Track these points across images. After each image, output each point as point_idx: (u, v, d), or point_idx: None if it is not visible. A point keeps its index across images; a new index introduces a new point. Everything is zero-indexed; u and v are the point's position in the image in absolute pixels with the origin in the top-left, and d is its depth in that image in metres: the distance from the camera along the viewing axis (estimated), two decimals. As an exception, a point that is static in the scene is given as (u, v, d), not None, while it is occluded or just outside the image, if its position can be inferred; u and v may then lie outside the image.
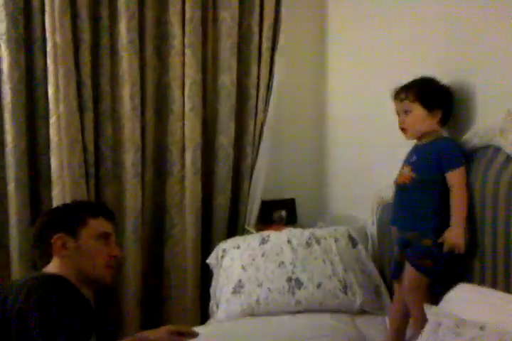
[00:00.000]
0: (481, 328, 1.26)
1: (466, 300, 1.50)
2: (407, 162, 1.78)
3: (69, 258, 1.34)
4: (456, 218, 1.63)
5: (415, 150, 1.79)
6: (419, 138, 1.78)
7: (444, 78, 1.87)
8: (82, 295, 1.28)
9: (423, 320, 1.44)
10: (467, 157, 1.71)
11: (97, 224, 1.40)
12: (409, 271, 1.70)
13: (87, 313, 1.24)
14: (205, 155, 2.61)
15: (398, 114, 1.78)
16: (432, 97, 1.72)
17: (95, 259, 1.37)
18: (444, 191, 1.68)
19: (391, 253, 2.04)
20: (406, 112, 1.73)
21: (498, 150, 1.64)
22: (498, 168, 1.62)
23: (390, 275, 1.90)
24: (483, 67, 1.76)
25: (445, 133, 1.82)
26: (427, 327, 1.38)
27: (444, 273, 1.68)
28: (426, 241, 1.67)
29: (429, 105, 1.71)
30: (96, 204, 1.59)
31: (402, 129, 1.78)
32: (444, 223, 1.65)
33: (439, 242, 1.64)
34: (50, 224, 1.40)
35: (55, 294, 1.18)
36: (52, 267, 1.35)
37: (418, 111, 1.71)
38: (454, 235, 1.61)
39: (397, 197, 1.83)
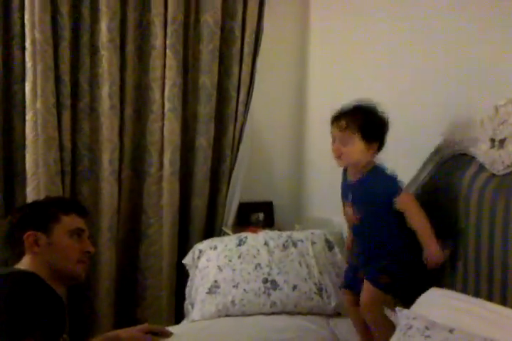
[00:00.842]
0: (450, 331, 1.29)
1: (437, 304, 1.54)
2: (347, 199, 1.75)
3: (41, 255, 1.33)
4: (424, 238, 1.60)
5: (350, 187, 1.75)
6: (353, 166, 1.74)
7: (421, 79, 1.89)
8: (54, 291, 1.27)
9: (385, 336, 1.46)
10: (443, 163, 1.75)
11: (70, 221, 1.39)
12: (365, 287, 1.67)
13: (57, 310, 1.23)
14: (183, 156, 2.61)
15: (333, 139, 1.72)
16: (373, 131, 1.67)
17: (68, 255, 1.36)
18: (397, 215, 1.66)
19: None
20: (344, 141, 1.67)
21: (471, 158, 1.69)
22: (470, 176, 1.66)
23: (343, 284, 1.87)
24: (460, 71, 1.81)
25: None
26: (398, 330, 1.41)
27: (402, 289, 1.68)
28: (382, 261, 1.67)
29: (368, 138, 1.66)
30: (68, 201, 1.57)
31: (336, 156, 1.72)
32: (401, 245, 1.67)
33: (401, 260, 1.66)
34: (22, 221, 1.38)
35: (25, 290, 1.17)
36: (24, 264, 1.33)
37: (357, 143, 1.66)
38: (432, 253, 1.59)
39: (353, 234, 1.82)
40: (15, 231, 1.37)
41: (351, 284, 1.79)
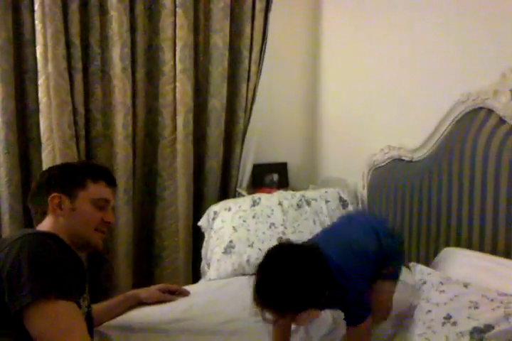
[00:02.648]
0: (465, 286, 1.28)
1: (451, 262, 1.53)
2: None
3: (63, 219, 1.34)
4: None
5: None
6: None
7: (439, 35, 1.82)
8: (74, 252, 1.28)
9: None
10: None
11: (96, 189, 1.38)
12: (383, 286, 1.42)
13: (78, 269, 1.25)
14: (196, 118, 2.59)
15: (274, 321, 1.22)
16: (316, 303, 1.18)
17: (87, 223, 1.36)
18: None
19: (380, 215, 2.07)
20: (289, 321, 1.27)
21: (490, 112, 1.64)
22: (489, 130, 1.61)
23: None
24: (480, 23, 1.74)
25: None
26: (412, 285, 1.41)
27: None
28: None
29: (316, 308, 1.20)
30: (99, 168, 1.50)
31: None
32: None
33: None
34: (50, 181, 1.37)
35: (48, 249, 1.17)
36: (46, 225, 1.34)
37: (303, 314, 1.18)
38: None
39: None
40: (41, 191, 1.37)
41: None
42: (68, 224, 1.34)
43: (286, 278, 1.13)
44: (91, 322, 1.37)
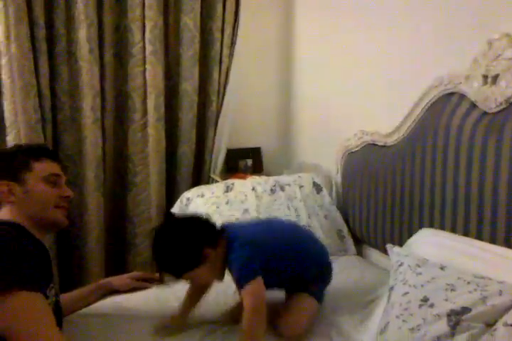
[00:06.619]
0: (442, 268, 1.30)
1: (427, 243, 1.54)
2: None
3: (18, 205, 1.30)
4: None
5: None
6: None
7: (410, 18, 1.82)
8: (38, 240, 1.24)
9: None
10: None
11: (43, 167, 1.35)
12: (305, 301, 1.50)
13: (43, 259, 1.21)
14: (168, 102, 2.54)
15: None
16: (192, 259, 1.34)
17: (45, 202, 1.33)
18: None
19: (354, 200, 2.08)
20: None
21: (462, 97, 1.65)
22: (462, 115, 1.62)
23: None
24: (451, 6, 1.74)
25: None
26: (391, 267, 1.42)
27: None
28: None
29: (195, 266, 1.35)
30: (37, 147, 1.49)
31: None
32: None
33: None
34: None
35: (9, 239, 1.14)
36: (3, 215, 1.30)
37: (199, 271, 1.36)
38: None
39: None
40: None
41: None
42: (26, 209, 1.30)
43: (162, 245, 1.35)
44: (59, 312, 1.34)
